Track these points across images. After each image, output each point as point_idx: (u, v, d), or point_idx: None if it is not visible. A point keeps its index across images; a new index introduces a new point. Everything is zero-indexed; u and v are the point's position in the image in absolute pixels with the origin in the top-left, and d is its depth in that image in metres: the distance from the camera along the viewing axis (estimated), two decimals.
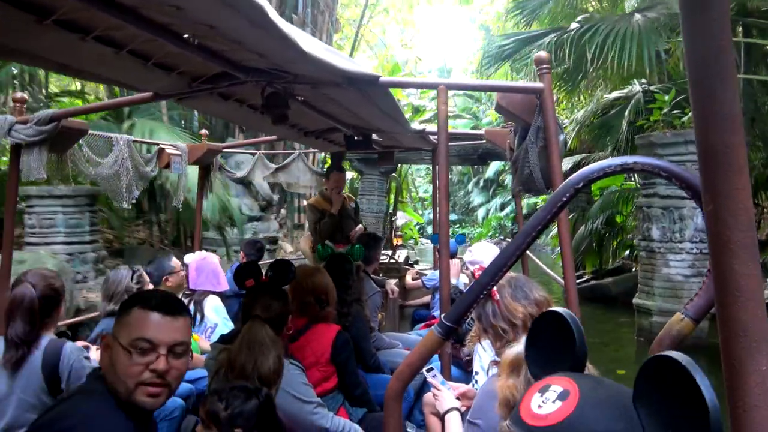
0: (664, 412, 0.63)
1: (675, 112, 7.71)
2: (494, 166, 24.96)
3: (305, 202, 4.92)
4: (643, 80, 9.46)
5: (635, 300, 7.95)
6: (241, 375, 2.02)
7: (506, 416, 1.26)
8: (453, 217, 28.75)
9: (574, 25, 8.58)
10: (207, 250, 4.37)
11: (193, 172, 4.98)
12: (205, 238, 9.11)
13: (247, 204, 11.41)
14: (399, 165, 14.93)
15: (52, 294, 2.37)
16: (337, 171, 4.75)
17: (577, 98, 11.54)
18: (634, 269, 10.80)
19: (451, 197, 29.87)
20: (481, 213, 28.64)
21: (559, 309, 0.82)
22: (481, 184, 29.14)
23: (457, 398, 2.01)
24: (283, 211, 13.88)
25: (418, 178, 31.89)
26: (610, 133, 9.57)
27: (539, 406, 0.71)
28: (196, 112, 10.81)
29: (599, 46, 7.75)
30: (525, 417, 0.72)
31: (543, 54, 2.52)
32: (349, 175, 14.32)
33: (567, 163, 10.31)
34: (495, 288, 1.77)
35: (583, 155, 11.50)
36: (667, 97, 7.75)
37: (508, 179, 23.91)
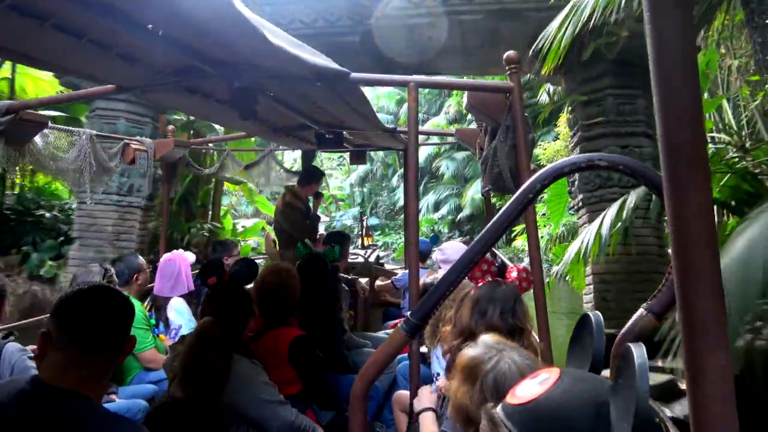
0: None
1: None
2: (425, 151, 18.76)
3: (280, 201, 4.78)
4: None
5: None
6: (191, 373, 1.94)
7: (457, 421, 1.25)
8: (374, 221, 24.37)
9: None
10: None
11: None
12: None
13: None
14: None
15: None
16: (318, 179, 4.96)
17: None
18: None
19: (372, 197, 26.13)
20: None
21: (589, 312, 0.90)
22: None
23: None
24: None
25: (333, 171, 27.39)
26: None
27: (522, 389, 0.76)
28: None
29: None
30: (508, 397, 0.77)
31: (512, 53, 2.53)
32: None
33: None
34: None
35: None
36: None
37: (444, 166, 18.76)
